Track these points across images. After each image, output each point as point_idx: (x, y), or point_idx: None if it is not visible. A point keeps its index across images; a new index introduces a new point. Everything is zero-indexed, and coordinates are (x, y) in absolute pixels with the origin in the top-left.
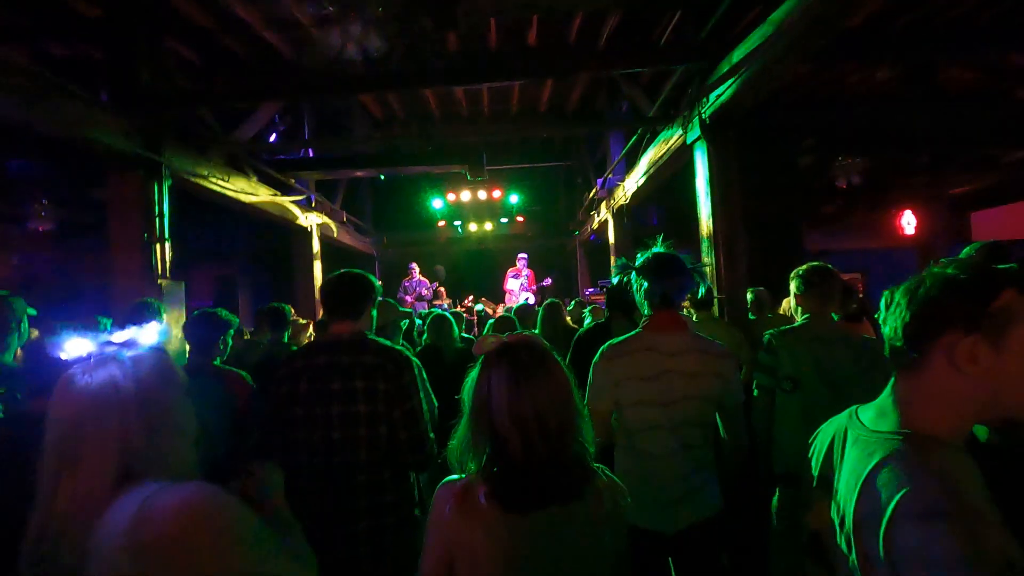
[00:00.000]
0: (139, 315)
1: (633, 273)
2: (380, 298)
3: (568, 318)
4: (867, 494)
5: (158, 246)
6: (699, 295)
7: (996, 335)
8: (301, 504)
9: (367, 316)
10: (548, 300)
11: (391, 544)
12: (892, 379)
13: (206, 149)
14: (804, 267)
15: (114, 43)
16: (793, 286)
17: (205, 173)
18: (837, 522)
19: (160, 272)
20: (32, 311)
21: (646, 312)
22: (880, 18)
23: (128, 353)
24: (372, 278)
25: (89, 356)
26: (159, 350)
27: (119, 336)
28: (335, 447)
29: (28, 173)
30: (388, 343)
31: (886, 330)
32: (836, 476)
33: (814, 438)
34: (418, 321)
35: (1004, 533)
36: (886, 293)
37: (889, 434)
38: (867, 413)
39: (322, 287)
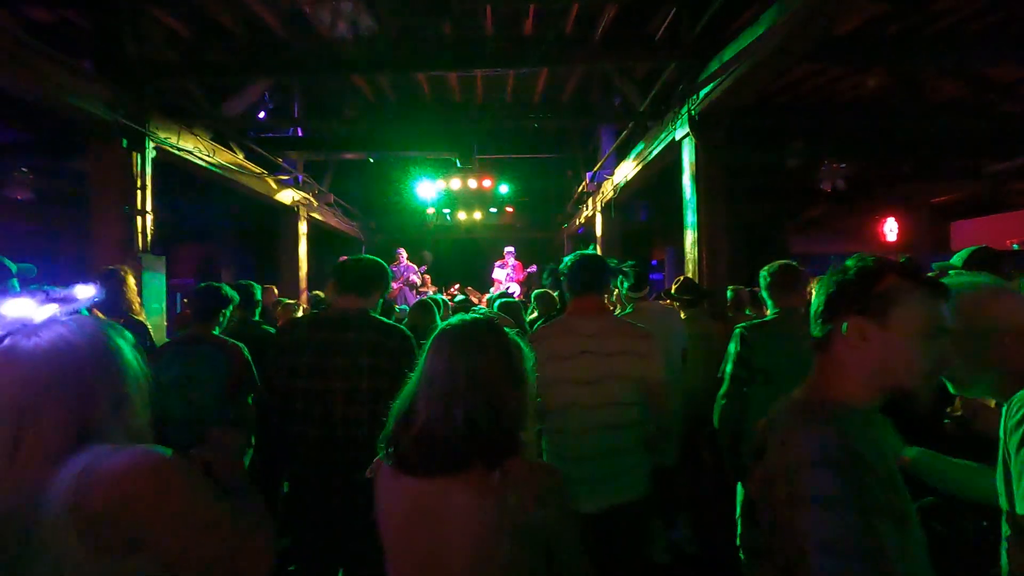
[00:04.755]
0: (105, 284)
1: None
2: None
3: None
4: (780, 451)
5: (139, 219)
6: (623, 290)
7: (881, 314)
8: (301, 472)
9: (374, 299)
10: (537, 291)
11: None
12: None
13: (192, 123)
14: (773, 264)
15: (99, 10)
16: (762, 282)
17: (190, 147)
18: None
19: (141, 246)
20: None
21: (568, 301)
22: (870, 26)
23: (67, 315)
24: (388, 269)
25: (22, 320)
26: (94, 316)
27: (55, 295)
28: (336, 422)
29: (6, 140)
30: (390, 321)
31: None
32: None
33: None
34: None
35: (891, 488)
36: None
37: (805, 402)
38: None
39: (337, 265)
